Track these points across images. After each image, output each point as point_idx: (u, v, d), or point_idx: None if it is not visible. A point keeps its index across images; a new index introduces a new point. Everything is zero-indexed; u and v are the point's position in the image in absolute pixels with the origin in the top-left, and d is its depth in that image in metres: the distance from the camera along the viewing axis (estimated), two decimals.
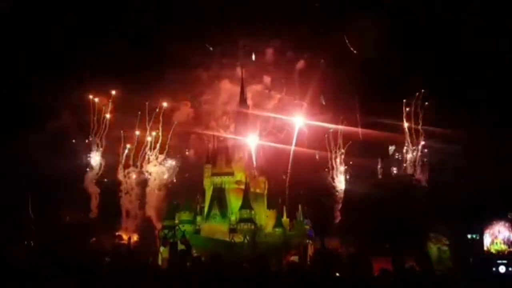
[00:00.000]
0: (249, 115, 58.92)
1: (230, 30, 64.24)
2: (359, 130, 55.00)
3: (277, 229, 50.37)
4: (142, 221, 56.18)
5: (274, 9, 60.93)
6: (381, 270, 8.93)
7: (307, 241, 50.21)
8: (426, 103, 56.54)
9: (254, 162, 56.28)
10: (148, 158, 60.41)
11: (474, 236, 45.18)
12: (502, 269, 39.75)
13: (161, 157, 60.41)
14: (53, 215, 53.11)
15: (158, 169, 59.50)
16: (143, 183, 58.69)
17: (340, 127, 58.31)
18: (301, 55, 64.12)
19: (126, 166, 59.54)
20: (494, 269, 39.40)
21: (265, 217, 52.81)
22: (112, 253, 39.65)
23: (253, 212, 49.97)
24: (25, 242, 44.08)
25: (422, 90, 56.67)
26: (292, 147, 59.88)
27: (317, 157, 60.99)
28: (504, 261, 40.58)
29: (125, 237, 53.64)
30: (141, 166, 59.62)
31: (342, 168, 59.41)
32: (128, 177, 58.83)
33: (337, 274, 8.58)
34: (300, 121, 61.29)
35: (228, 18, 63.27)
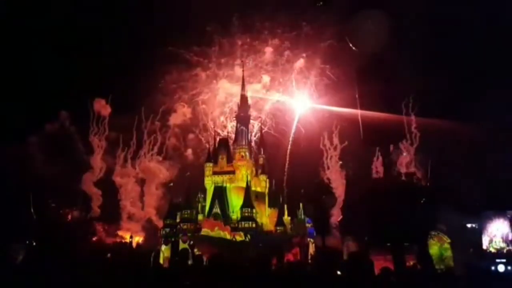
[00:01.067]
0: (251, 110, 59.23)
1: (229, 29, 64.44)
2: (360, 128, 54.94)
3: (278, 228, 50.42)
4: (143, 221, 56.32)
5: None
6: (383, 269, 8.92)
7: (308, 239, 50.25)
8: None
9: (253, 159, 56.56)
10: (147, 159, 60.66)
11: (473, 225, 44.87)
12: (501, 268, 39.52)
13: (159, 158, 60.70)
14: (55, 214, 53.22)
15: (157, 168, 59.63)
16: (142, 183, 58.85)
17: (339, 109, 58.19)
18: (299, 54, 64.40)
19: (125, 167, 59.79)
20: (493, 268, 39.19)
21: (266, 216, 52.86)
22: (114, 252, 39.64)
23: (254, 210, 50.01)
24: (27, 241, 44.14)
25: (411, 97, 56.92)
26: (292, 133, 60.32)
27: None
28: (503, 260, 40.33)
29: (126, 236, 53.71)
30: (140, 167, 59.81)
31: (338, 167, 59.65)
32: (128, 177, 58.91)
33: (338, 273, 8.56)
34: (302, 104, 61.94)
35: (227, 17, 63.43)
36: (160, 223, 53.27)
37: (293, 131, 61.70)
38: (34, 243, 43.94)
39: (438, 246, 43.03)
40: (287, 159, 60.19)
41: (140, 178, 59.20)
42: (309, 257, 45.32)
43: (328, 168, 60.00)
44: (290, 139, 61.48)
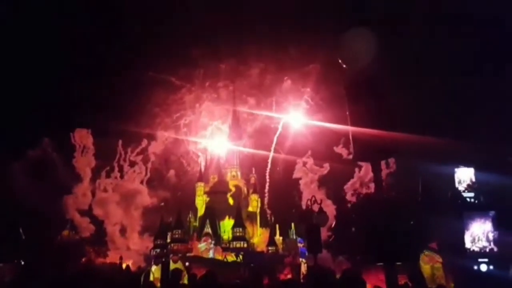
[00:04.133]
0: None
1: (214, 52, 64.90)
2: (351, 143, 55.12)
3: (270, 248, 50.11)
4: (130, 244, 55.88)
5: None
6: None
7: (300, 259, 49.95)
8: None
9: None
10: (129, 184, 60.53)
11: (457, 226, 44.50)
12: (483, 267, 39.37)
13: (142, 185, 60.59)
14: (44, 234, 52.62)
15: (139, 193, 59.44)
16: (124, 208, 58.58)
17: (327, 125, 58.17)
18: (283, 77, 64.68)
19: (106, 191, 59.75)
20: (475, 267, 39.06)
21: (258, 236, 52.61)
22: (104, 272, 39.13)
23: (246, 230, 49.78)
24: (15, 261, 43.47)
25: None
26: (271, 155, 60.46)
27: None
28: (485, 260, 40.16)
29: (115, 258, 53.02)
30: (122, 193, 59.56)
31: (315, 186, 59.69)
32: (110, 203, 58.52)
33: None
34: (290, 122, 62.43)
35: (212, 40, 63.99)
36: (147, 245, 52.81)
37: (271, 153, 61.91)
38: (23, 263, 43.22)
39: (430, 266, 43.03)
40: (267, 179, 60.41)
41: (123, 203, 58.88)
42: (301, 276, 44.99)
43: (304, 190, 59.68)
44: (269, 160, 61.70)
